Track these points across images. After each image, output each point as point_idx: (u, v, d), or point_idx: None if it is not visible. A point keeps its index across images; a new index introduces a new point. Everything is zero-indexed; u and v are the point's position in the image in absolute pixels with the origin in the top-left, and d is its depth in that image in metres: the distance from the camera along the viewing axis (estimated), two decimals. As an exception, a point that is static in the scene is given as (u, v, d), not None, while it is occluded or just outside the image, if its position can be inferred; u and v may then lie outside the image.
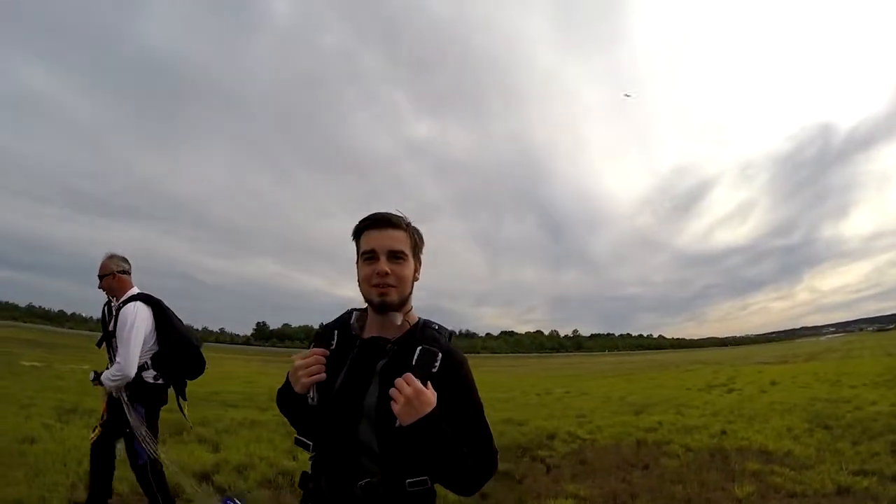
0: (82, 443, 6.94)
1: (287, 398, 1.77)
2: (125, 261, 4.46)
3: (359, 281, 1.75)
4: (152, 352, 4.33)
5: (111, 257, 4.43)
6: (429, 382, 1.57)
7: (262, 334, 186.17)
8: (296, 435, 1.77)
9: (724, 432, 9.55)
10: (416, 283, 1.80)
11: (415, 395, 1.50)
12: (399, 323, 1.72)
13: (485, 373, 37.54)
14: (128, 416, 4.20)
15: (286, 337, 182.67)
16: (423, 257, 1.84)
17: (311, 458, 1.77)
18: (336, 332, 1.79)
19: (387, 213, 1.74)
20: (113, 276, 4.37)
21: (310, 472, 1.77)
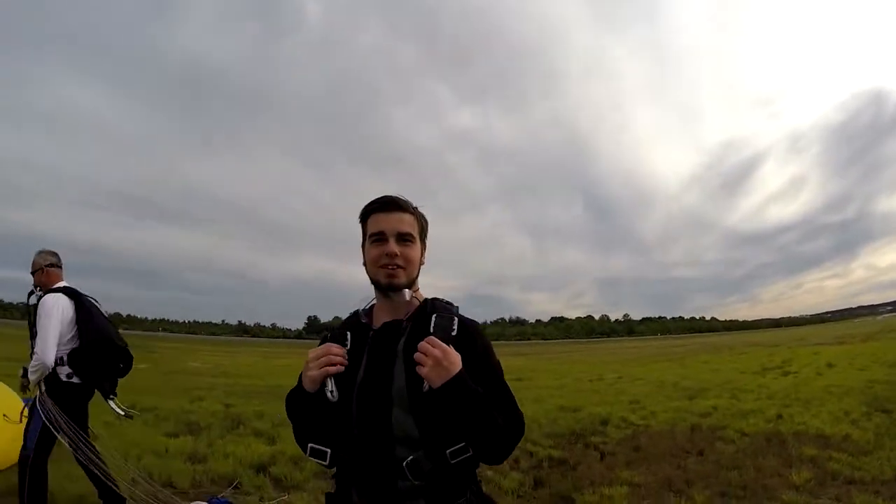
0: (142, 438, 7.47)
1: (299, 401, 1.68)
2: (53, 255, 4.46)
3: (365, 263, 1.75)
4: (70, 347, 4.20)
5: (40, 253, 4.45)
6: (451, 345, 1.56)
7: (314, 328, 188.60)
8: (310, 444, 1.65)
9: (780, 416, 9.49)
10: (422, 268, 1.79)
11: (442, 356, 1.47)
12: (409, 299, 1.70)
13: (535, 359, 37.56)
14: (38, 407, 4.15)
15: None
16: (427, 242, 1.84)
17: (333, 473, 1.71)
18: (348, 332, 1.72)
19: (394, 196, 1.74)
20: (42, 270, 4.38)
21: (334, 490, 1.71)
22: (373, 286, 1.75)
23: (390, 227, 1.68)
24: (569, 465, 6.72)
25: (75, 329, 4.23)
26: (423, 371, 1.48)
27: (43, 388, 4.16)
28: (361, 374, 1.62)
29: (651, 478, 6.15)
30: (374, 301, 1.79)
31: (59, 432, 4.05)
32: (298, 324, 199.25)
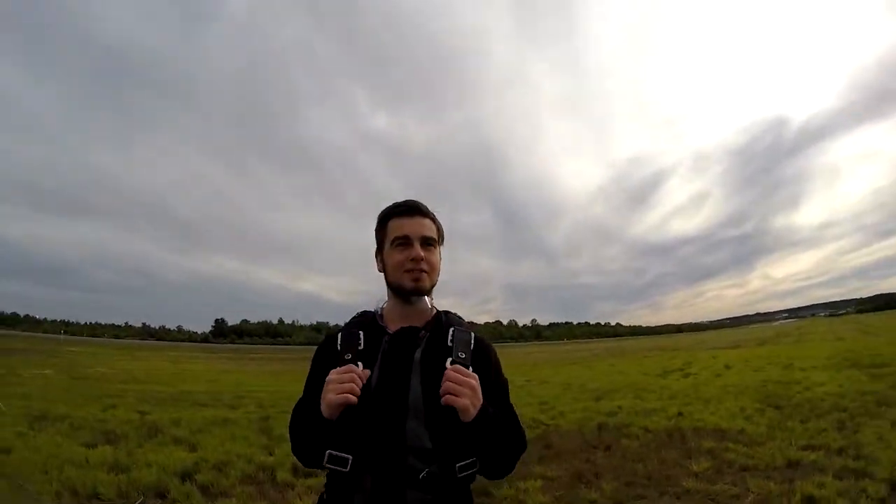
0: (59, 450, 7.01)
1: (309, 419, 1.55)
2: None
3: (384, 268, 1.71)
4: None
5: None
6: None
7: (221, 331, 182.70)
8: (328, 451, 1.52)
9: (680, 414, 9.95)
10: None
11: (476, 385, 1.46)
12: (430, 306, 1.70)
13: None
14: None
15: (245, 333, 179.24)
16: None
17: (327, 482, 1.60)
18: (361, 332, 1.65)
19: (416, 201, 1.72)
20: None
21: (325, 496, 1.61)
22: (390, 291, 1.72)
23: (415, 232, 1.65)
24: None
25: None
26: (460, 402, 1.42)
27: None
28: (375, 380, 1.54)
29: (562, 472, 6.36)
30: (386, 303, 1.76)
31: None
32: (205, 326, 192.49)
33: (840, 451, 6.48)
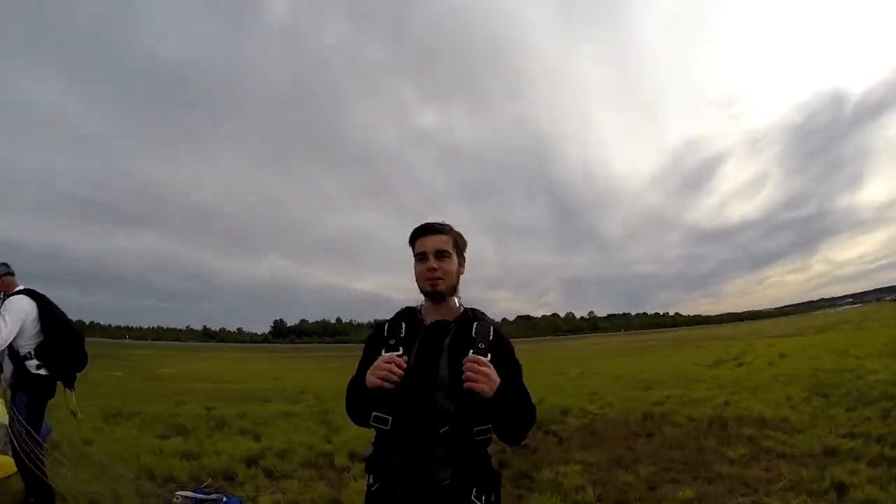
0: (135, 441, 7.74)
1: (358, 384, 2.08)
2: (3, 265, 4.68)
3: (416, 278, 2.17)
4: (36, 342, 4.47)
5: None
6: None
7: (280, 331, 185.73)
8: (374, 412, 2.02)
9: (726, 403, 10.11)
10: (462, 277, 2.23)
11: (490, 371, 1.86)
12: (457, 305, 2.20)
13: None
14: (6, 404, 4.48)
15: (303, 333, 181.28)
16: (466, 255, 2.26)
17: (374, 439, 2.10)
18: (403, 323, 2.15)
19: (432, 222, 2.19)
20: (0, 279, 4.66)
21: (373, 456, 2.10)
22: (423, 295, 2.18)
23: (429, 247, 2.12)
24: (529, 450, 7.16)
25: (39, 325, 4.49)
26: (477, 387, 1.84)
27: (10, 383, 4.45)
28: (412, 361, 2.00)
29: (603, 457, 6.70)
30: (424, 303, 2.21)
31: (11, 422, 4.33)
32: (265, 328, 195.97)
33: (879, 440, 6.58)
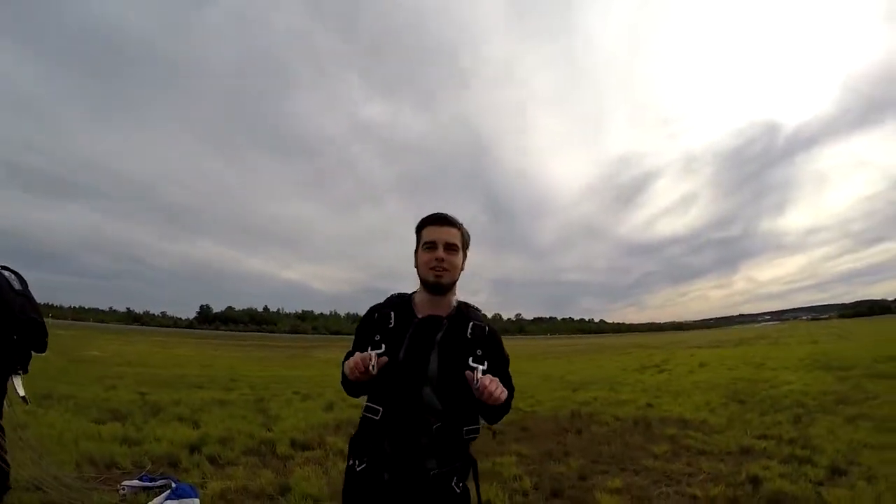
0: (70, 425, 7.42)
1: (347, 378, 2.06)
2: None
3: (417, 265, 2.14)
4: None
5: None
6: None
7: (206, 317, 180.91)
8: (366, 402, 2.05)
9: (649, 405, 10.64)
10: (462, 274, 2.18)
11: (499, 385, 1.86)
12: (454, 304, 2.14)
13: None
14: None
15: (230, 320, 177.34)
16: (468, 252, 2.22)
17: (361, 422, 2.10)
18: (392, 312, 2.10)
19: (445, 213, 2.14)
20: None
21: (361, 439, 2.09)
22: (421, 284, 2.15)
23: (440, 238, 2.08)
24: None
25: None
26: (493, 398, 1.83)
27: None
28: (402, 355, 1.99)
29: (535, 450, 6.95)
30: (417, 293, 2.18)
31: None
32: (190, 313, 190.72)
33: (790, 441, 7.09)
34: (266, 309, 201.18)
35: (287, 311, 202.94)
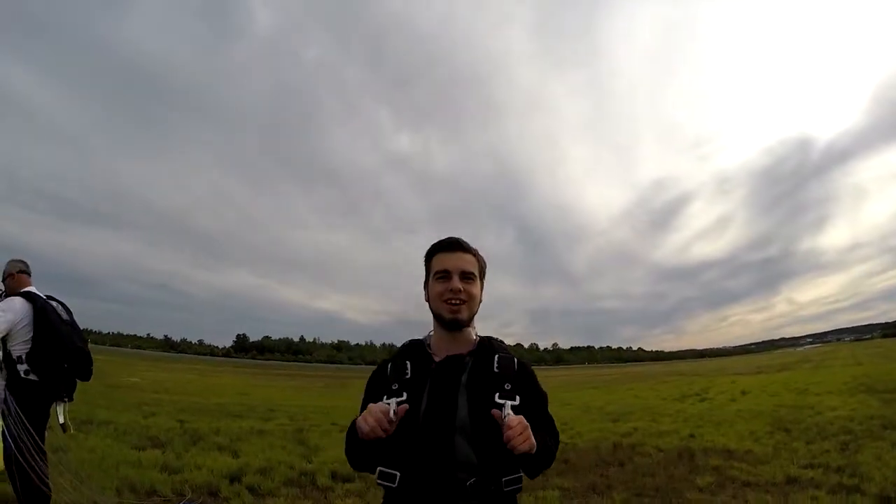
0: (111, 451, 7.68)
1: (357, 438, 1.70)
2: (23, 262, 4.77)
3: (429, 298, 1.88)
4: (27, 347, 4.41)
5: (11, 261, 4.79)
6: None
7: (243, 346, 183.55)
8: (379, 468, 1.71)
9: (692, 435, 10.48)
10: (480, 305, 1.89)
11: (526, 428, 1.54)
12: (475, 339, 1.88)
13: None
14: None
15: (266, 349, 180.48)
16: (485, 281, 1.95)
17: (384, 499, 1.77)
18: (408, 361, 1.81)
19: (457, 238, 1.89)
20: (12, 276, 4.69)
21: None
22: (435, 320, 1.87)
23: (455, 266, 1.81)
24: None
25: (32, 330, 4.43)
26: (524, 448, 1.51)
27: (3, 382, 4.37)
28: (425, 404, 1.70)
29: (578, 484, 6.96)
30: (433, 333, 1.91)
31: (6, 421, 4.21)
32: (226, 341, 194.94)
33: (838, 470, 6.95)
34: (302, 339, 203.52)
35: (323, 341, 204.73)
